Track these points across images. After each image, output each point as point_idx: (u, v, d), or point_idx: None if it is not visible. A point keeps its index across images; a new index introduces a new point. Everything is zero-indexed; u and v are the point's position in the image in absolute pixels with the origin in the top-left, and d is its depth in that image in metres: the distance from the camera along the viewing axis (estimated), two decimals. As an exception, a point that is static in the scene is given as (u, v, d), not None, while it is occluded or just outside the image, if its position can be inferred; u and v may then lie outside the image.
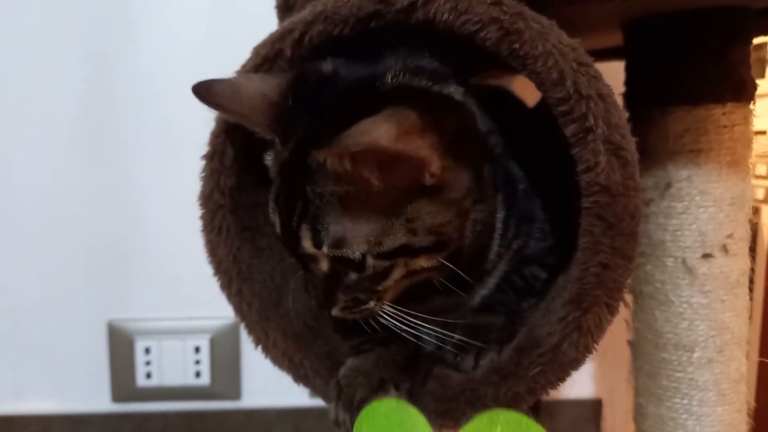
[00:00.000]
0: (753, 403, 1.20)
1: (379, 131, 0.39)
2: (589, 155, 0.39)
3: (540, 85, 0.40)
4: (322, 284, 0.47)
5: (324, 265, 0.47)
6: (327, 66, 0.48)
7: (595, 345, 0.42)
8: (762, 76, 1.59)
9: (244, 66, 0.49)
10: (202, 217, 0.52)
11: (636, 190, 0.40)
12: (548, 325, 0.43)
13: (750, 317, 1.27)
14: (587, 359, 0.42)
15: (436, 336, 0.50)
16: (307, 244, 0.45)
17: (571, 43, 0.42)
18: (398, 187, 0.43)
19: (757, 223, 1.60)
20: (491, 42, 0.40)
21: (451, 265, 0.45)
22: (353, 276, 0.46)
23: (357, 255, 0.44)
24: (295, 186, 0.45)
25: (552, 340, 0.42)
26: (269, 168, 0.49)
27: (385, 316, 0.48)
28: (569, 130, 0.39)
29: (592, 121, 0.38)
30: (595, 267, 0.40)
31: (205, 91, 0.44)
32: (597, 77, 0.40)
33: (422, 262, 0.46)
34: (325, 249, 0.44)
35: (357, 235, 0.44)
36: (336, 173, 0.42)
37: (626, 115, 0.68)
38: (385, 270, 0.45)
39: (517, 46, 0.39)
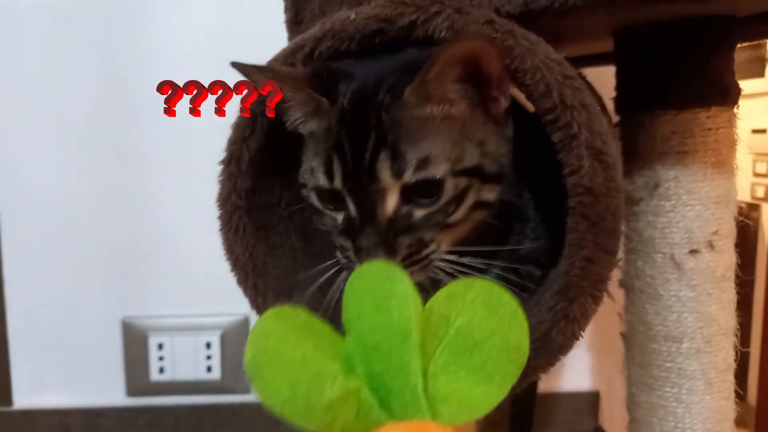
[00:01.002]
0: (756, 398, 1.22)
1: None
2: (573, 160, 0.42)
3: (529, 97, 0.44)
4: (384, 230, 0.47)
5: (391, 204, 0.47)
6: (348, 62, 0.51)
7: (581, 332, 0.45)
8: (761, 74, 1.60)
9: (258, 78, 0.52)
10: (220, 218, 0.56)
11: (617, 191, 0.44)
12: (539, 314, 0.46)
13: (751, 313, 1.27)
14: (575, 345, 0.46)
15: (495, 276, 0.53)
16: (385, 175, 0.46)
17: (557, 58, 0.45)
18: (473, 107, 0.47)
19: (758, 220, 1.61)
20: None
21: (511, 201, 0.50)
22: (421, 214, 0.47)
23: (441, 173, 0.46)
24: (363, 124, 0.46)
25: (542, 328, 0.45)
26: (314, 133, 0.51)
27: (443, 264, 0.49)
28: (556, 137, 0.43)
29: (576, 129, 0.42)
30: (580, 261, 0.44)
31: (245, 66, 0.47)
32: (581, 89, 0.44)
33: (487, 194, 0.49)
34: (408, 174, 0.46)
35: (438, 155, 0.46)
36: (418, 96, 0.45)
37: (616, 119, 0.72)
38: (459, 195, 0.47)
39: (507, 61, 0.43)
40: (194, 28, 1.15)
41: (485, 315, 0.38)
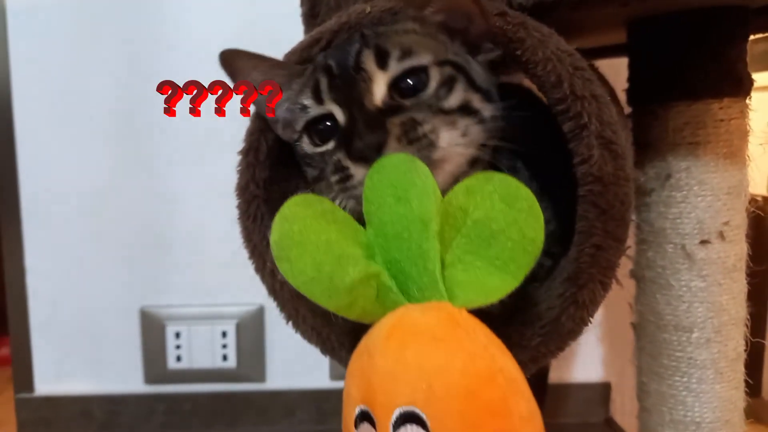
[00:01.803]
0: None
1: None
2: (583, 149, 0.43)
3: (540, 87, 0.44)
4: (368, 120, 0.45)
5: (379, 94, 0.46)
6: None
7: (590, 318, 0.46)
8: (780, 67, 1.57)
9: (276, 70, 0.54)
10: (239, 206, 0.57)
11: (626, 180, 0.44)
12: (549, 300, 0.47)
13: (766, 306, 1.25)
14: (584, 332, 0.47)
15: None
16: (370, 66, 0.46)
17: (568, 49, 0.46)
18: (455, 41, 0.49)
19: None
20: (498, 47, 0.45)
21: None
22: (410, 102, 0.47)
23: (425, 62, 0.46)
24: (347, 45, 0.48)
25: (552, 314, 0.46)
26: (300, 88, 0.51)
27: (444, 140, 0.46)
28: (566, 127, 0.44)
29: (586, 119, 0.43)
30: (589, 248, 0.45)
31: (230, 54, 0.49)
32: (591, 80, 0.45)
33: (478, 102, 0.48)
34: (393, 64, 0.46)
35: (420, 49, 0.47)
36: (399, 18, 0.47)
37: (628, 110, 0.72)
38: (447, 82, 0.47)
39: (519, 52, 0.44)
40: (215, 22, 1.17)
41: (502, 208, 0.39)
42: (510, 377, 0.36)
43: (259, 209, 0.56)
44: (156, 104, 1.16)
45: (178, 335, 1.24)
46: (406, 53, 0.46)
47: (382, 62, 0.46)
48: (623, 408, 1.25)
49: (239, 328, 1.25)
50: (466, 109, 0.47)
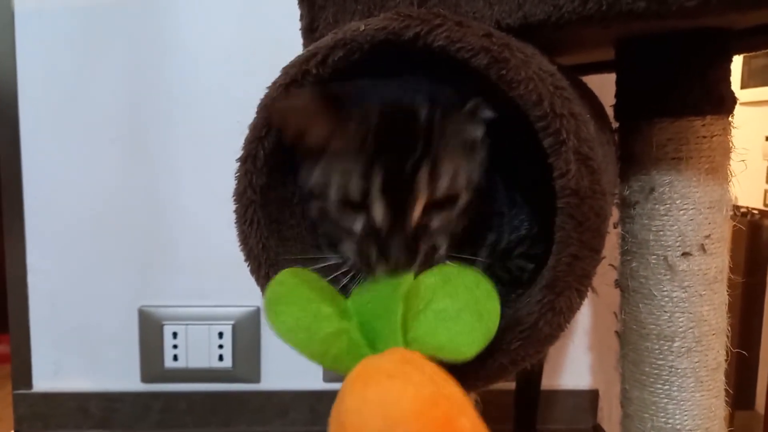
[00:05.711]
0: (764, 406, 1.20)
1: None
2: (562, 164, 0.45)
3: (523, 105, 0.47)
4: (410, 238, 0.50)
5: (416, 214, 0.51)
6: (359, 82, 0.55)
7: (566, 324, 0.49)
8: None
9: (274, 83, 0.56)
10: (236, 211, 0.59)
11: (602, 194, 0.47)
12: (528, 306, 0.49)
13: (762, 320, 1.25)
14: (560, 336, 0.49)
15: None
16: (422, 186, 0.50)
17: (550, 69, 0.48)
18: None
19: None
20: (482, 67, 0.47)
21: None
22: (437, 224, 0.52)
23: (461, 189, 0.52)
24: (405, 137, 0.50)
25: (530, 319, 0.48)
26: (336, 151, 0.53)
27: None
28: (546, 143, 0.46)
29: (565, 136, 0.45)
30: (566, 258, 0.47)
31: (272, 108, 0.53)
32: (570, 99, 0.47)
33: (482, 205, 0.56)
34: (439, 188, 0.51)
35: (463, 173, 0.53)
36: (469, 119, 0.52)
37: (616, 124, 0.75)
38: (467, 207, 0.54)
39: (504, 72, 0.46)
40: (217, 34, 1.20)
41: (466, 294, 0.46)
42: (453, 400, 0.41)
43: (255, 214, 0.58)
44: (159, 109, 1.22)
45: (175, 335, 1.26)
46: (453, 179, 0.52)
47: (434, 185, 0.51)
48: (610, 415, 1.26)
49: (235, 329, 1.27)
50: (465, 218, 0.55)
